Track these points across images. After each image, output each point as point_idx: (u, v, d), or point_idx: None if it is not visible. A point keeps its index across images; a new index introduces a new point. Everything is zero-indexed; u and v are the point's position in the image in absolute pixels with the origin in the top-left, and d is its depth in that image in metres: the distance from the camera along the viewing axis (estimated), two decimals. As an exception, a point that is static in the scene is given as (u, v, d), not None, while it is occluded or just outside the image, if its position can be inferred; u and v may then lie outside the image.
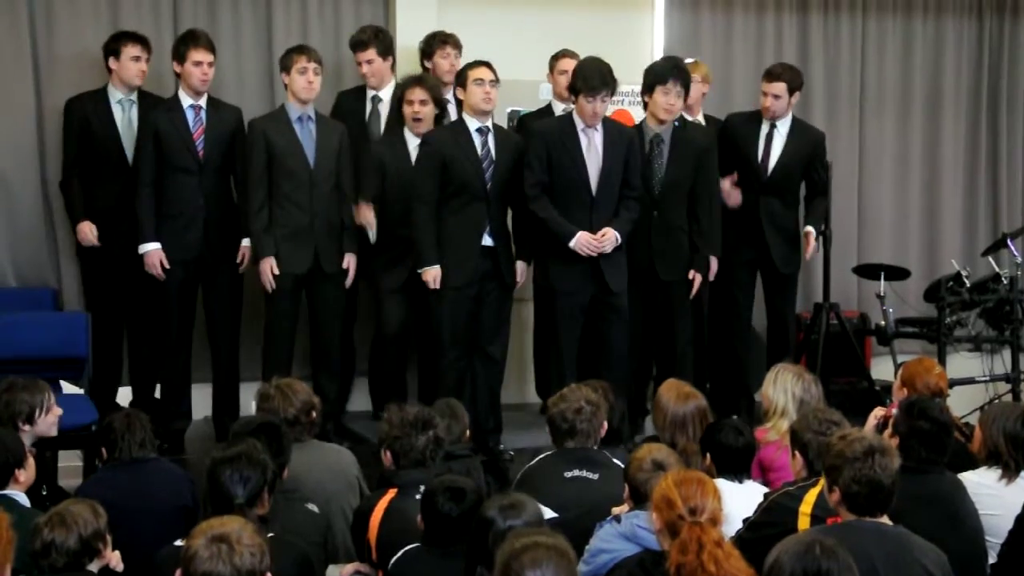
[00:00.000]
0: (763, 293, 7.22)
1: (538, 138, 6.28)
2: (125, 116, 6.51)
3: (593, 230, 6.18)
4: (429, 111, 6.44)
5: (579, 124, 6.22)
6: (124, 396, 6.72)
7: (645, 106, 6.58)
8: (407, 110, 6.42)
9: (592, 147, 6.22)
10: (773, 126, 7.03)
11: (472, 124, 6.26)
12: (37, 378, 4.81)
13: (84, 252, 6.58)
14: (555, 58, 7.08)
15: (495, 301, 6.34)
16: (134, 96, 6.54)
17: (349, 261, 6.46)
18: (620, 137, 6.31)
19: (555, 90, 7.11)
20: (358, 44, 6.78)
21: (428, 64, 6.98)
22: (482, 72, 6.24)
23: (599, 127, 6.23)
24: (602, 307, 6.28)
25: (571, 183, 6.19)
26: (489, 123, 6.31)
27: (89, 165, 6.50)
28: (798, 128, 7.14)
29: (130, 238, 6.42)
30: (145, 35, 6.54)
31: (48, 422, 4.71)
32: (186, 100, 6.40)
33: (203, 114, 6.43)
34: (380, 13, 7.41)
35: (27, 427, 4.62)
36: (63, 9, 6.79)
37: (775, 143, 7.03)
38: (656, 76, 6.42)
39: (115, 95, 6.50)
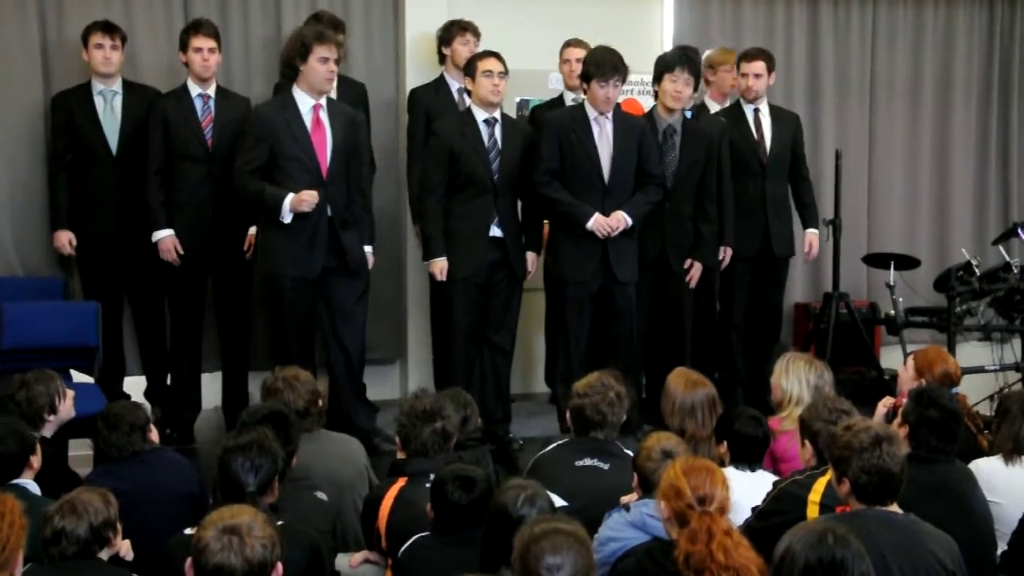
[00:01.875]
0: (753, 281, 7.19)
1: (550, 128, 6.28)
2: (107, 107, 6.50)
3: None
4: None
5: (591, 113, 6.22)
6: (131, 385, 6.73)
7: (656, 96, 6.58)
8: (321, 68, 5.88)
9: (604, 135, 6.22)
10: (756, 110, 7.09)
11: (479, 115, 6.25)
12: (42, 368, 4.84)
13: (78, 247, 6.59)
14: (564, 47, 7.07)
15: (504, 291, 6.35)
16: (116, 86, 6.52)
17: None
18: (632, 127, 6.31)
19: (565, 80, 7.10)
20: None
21: (446, 51, 6.95)
22: (491, 63, 6.22)
23: (609, 116, 6.22)
24: (611, 296, 6.28)
25: (584, 171, 6.19)
26: (497, 114, 6.30)
27: (76, 159, 6.51)
28: (776, 111, 7.25)
29: (122, 230, 6.46)
30: (114, 23, 6.51)
31: (67, 407, 4.78)
32: (194, 89, 6.42)
33: (211, 103, 6.44)
34: (389, 0, 7.41)
35: (51, 417, 4.69)
36: (75, 9, 6.76)
37: (764, 126, 7.10)
38: (664, 65, 6.44)
39: (96, 87, 6.49)
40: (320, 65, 5.85)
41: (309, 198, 5.78)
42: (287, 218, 5.82)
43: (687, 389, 4.94)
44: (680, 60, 6.42)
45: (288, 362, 5.23)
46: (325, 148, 5.94)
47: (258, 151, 5.88)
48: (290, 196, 5.79)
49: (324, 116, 5.96)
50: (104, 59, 6.42)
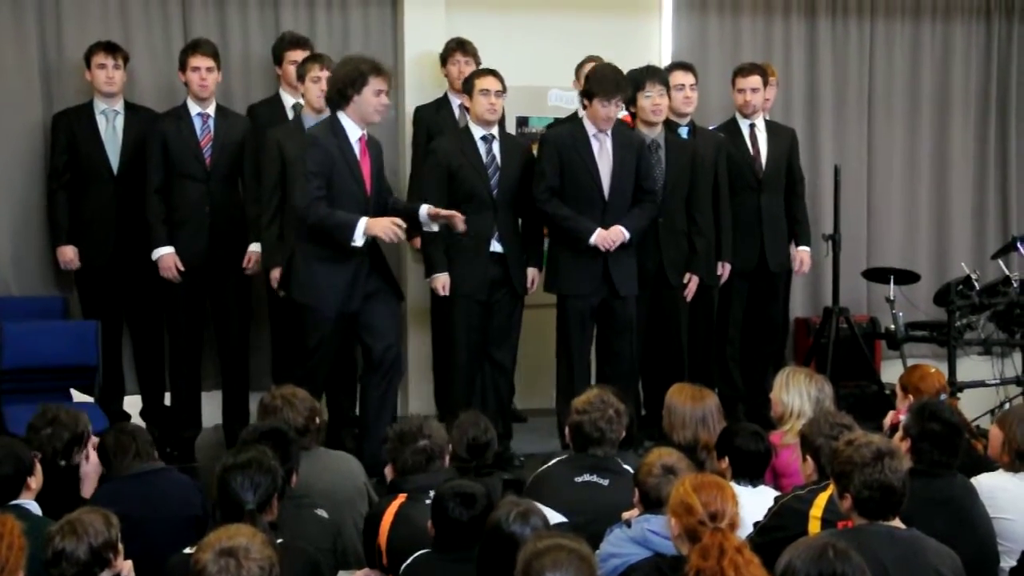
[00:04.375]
0: (751, 296, 7.17)
1: (549, 144, 6.28)
2: (109, 126, 6.53)
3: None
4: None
5: (590, 129, 6.23)
6: (131, 405, 6.73)
7: (633, 117, 6.57)
8: (374, 100, 5.79)
9: (604, 151, 6.23)
10: (752, 125, 7.10)
11: (477, 132, 6.26)
12: (75, 409, 4.73)
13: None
14: (581, 66, 7.04)
15: (505, 307, 6.35)
16: (118, 106, 6.56)
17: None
18: (630, 141, 6.33)
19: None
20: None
21: (443, 70, 6.99)
22: (489, 82, 6.22)
23: (608, 132, 6.23)
24: (611, 312, 6.28)
25: (584, 188, 6.20)
26: (495, 130, 6.31)
27: (76, 177, 6.52)
28: (772, 126, 7.25)
29: (121, 248, 6.49)
30: (116, 43, 6.54)
31: (89, 463, 4.57)
32: (194, 108, 6.43)
33: (211, 122, 6.45)
34: (388, 18, 7.43)
35: (62, 463, 4.53)
36: (71, 19, 6.82)
37: (760, 141, 7.10)
38: (634, 84, 6.40)
39: (99, 106, 6.53)
40: (374, 97, 5.76)
41: (396, 228, 5.66)
42: (359, 241, 5.67)
43: (696, 402, 4.97)
44: (647, 74, 6.44)
45: (314, 388, 5.21)
46: (370, 178, 5.85)
47: (320, 179, 5.69)
48: (364, 220, 5.66)
49: (367, 147, 5.89)
50: (107, 79, 6.45)
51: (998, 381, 7.46)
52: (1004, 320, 7.43)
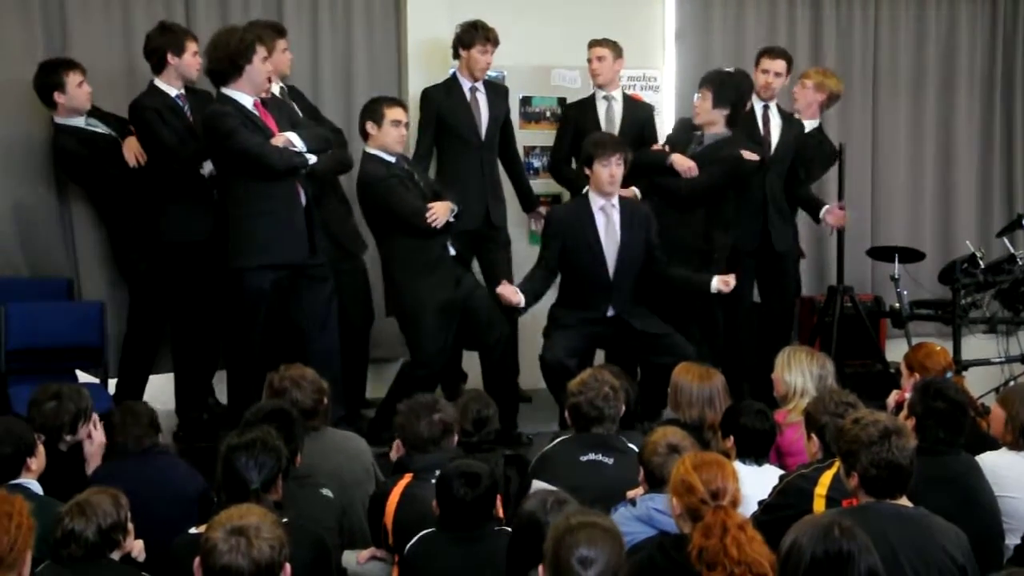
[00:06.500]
0: (759, 277, 7.17)
1: (554, 224, 6.31)
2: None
3: (613, 312, 6.25)
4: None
5: (596, 203, 6.20)
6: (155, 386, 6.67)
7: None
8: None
9: (610, 226, 6.21)
10: (766, 107, 7.09)
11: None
12: (77, 385, 4.80)
13: (162, 245, 6.40)
14: (589, 47, 7.03)
15: (479, 298, 6.34)
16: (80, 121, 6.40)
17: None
18: (638, 213, 6.31)
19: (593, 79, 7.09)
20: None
21: (464, 53, 6.83)
22: (398, 113, 6.19)
23: (616, 203, 6.20)
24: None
25: (588, 266, 6.21)
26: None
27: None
28: (785, 113, 7.23)
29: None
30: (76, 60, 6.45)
31: (96, 436, 4.64)
32: (171, 90, 6.32)
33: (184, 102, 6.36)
34: (391, 2, 7.41)
35: (69, 437, 4.57)
36: (76, 15, 6.77)
37: (772, 123, 7.09)
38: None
39: (76, 121, 6.39)
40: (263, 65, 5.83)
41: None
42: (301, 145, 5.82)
43: (702, 381, 5.01)
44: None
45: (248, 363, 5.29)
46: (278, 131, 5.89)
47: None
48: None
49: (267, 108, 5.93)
50: (88, 94, 6.32)
51: (1003, 359, 7.47)
52: (1009, 298, 7.43)
